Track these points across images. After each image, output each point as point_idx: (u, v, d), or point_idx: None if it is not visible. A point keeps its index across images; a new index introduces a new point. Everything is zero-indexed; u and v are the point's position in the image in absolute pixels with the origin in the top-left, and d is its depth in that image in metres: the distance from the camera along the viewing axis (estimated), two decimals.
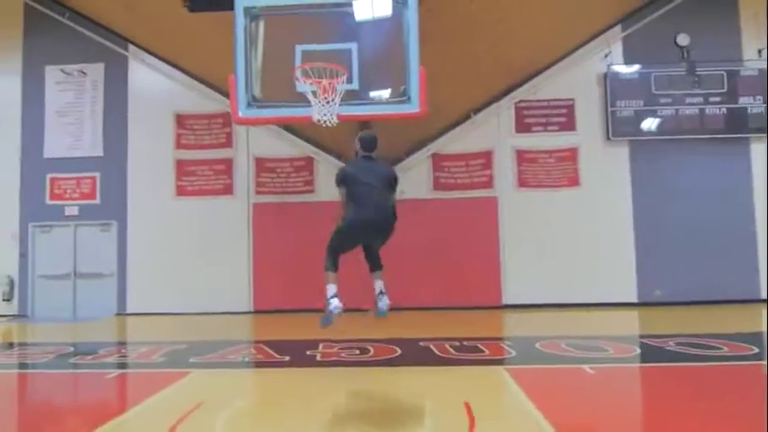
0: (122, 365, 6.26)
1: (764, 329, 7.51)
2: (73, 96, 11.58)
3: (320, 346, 7.03)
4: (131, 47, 11.50)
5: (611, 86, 10.81)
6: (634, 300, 10.74)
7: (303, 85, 4.89)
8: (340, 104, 4.89)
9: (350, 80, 4.99)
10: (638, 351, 6.56)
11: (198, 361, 6.26)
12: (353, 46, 5.09)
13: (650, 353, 6.40)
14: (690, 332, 7.40)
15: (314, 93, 4.87)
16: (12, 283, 11.24)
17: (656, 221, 10.78)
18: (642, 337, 7.52)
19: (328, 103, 4.82)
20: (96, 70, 11.58)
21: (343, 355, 6.53)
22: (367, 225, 4.12)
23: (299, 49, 5.03)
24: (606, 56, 10.85)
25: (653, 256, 10.74)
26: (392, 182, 4.33)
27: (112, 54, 11.48)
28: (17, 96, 11.63)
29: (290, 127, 11.10)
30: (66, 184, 11.44)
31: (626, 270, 10.80)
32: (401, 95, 5.09)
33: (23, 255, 11.32)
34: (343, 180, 4.30)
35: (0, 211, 11.41)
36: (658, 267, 10.69)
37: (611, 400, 4.70)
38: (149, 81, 11.53)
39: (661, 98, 10.75)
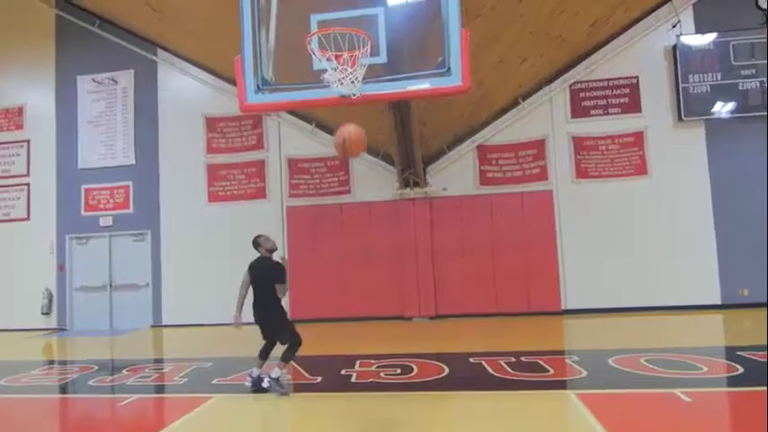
0: (140, 389, 5.68)
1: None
2: (104, 105, 11.39)
3: (357, 363, 6.27)
4: (160, 51, 11.20)
5: (682, 60, 9.63)
6: (717, 302, 9.56)
7: (320, 61, 4.10)
8: (365, 81, 4.07)
9: (376, 52, 4.16)
10: (741, 369, 5.37)
11: (221, 383, 5.69)
12: (379, 11, 4.27)
13: (759, 371, 5.21)
14: None
15: (333, 69, 4.07)
16: (50, 297, 11.10)
17: (740, 212, 9.56)
18: (739, 348, 6.26)
19: (350, 79, 4.02)
20: (126, 77, 11.34)
21: (382, 375, 5.75)
22: (257, 319, 5.38)
23: (314, 18, 4.27)
24: (674, 26, 9.69)
25: (738, 251, 9.51)
26: (274, 275, 5.29)
27: (142, 60, 11.23)
28: (51, 108, 11.57)
29: (323, 124, 10.44)
30: (101, 194, 11.23)
31: (706, 268, 9.60)
32: (439, 68, 4.21)
33: (61, 267, 11.16)
34: (249, 272, 5.47)
35: (38, 224, 11.36)
36: (744, 264, 9.44)
37: None
38: (178, 85, 11.18)
39: (742, 70, 9.51)
